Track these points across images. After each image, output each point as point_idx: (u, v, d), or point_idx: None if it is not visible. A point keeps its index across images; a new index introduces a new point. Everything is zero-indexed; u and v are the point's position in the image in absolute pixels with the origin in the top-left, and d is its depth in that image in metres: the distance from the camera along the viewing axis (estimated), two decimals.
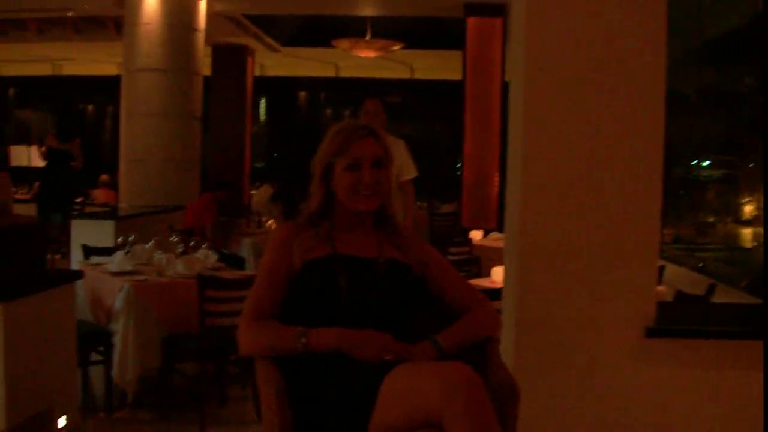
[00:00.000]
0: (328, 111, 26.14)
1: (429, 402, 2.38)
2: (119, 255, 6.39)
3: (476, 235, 9.97)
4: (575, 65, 3.75)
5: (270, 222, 10.28)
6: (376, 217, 3.05)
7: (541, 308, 3.82)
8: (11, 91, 28.03)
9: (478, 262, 7.43)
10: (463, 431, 2.31)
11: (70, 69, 23.80)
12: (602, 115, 3.73)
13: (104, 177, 16.56)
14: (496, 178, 12.65)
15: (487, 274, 6.76)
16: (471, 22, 12.76)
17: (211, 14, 12.65)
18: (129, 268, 6.19)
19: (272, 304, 2.86)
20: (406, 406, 2.44)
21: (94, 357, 6.07)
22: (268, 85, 22.54)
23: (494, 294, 4.32)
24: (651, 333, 3.73)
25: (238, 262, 7.23)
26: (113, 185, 16.01)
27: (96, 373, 6.15)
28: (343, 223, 3.01)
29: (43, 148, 12.62)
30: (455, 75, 13.94)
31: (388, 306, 2.87)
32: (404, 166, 6.66)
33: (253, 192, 16.24)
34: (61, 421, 4.88)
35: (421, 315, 2.97)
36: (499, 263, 6.87)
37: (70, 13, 15.00)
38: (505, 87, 12.35)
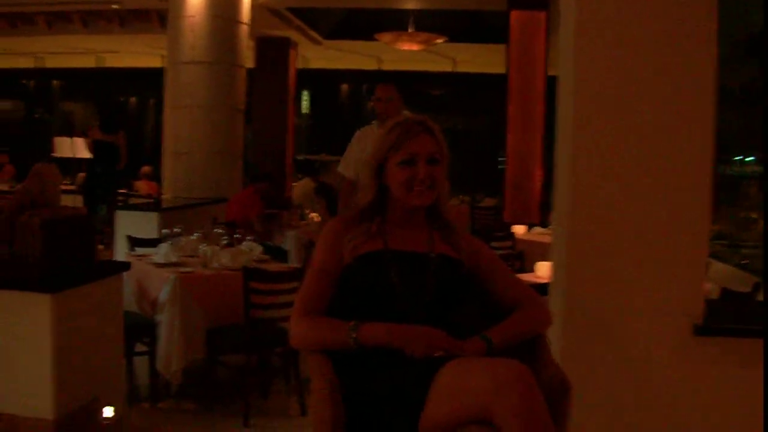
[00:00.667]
0: (370, 104, 26.05)
1: (481, 398, 2.37)
2: (164, 246, 6.42)
3: (519, 229, 9.91)
4: (626, 59, 3.71)
5: (313, 215, 10.30)
6: (427, 212, 3.04)
7: (589, 305, 3.80)
8: (55, 83, 28.32)
9: (522, 257, 7.40)
10: (516, 428, 2.30)
11: (113, 61, 23.98)
12: (653, 110, 3.70)
13: (146, 169, 16.67)
14: (539, 173, 12.59)
15: (531, 269, 6.73)
16: (514, 15, 12.68)
17: (254, 7, 12.68)
18: (174, 259, 6.23)
19: (323, 298, 2.87)
20: (458, 401, 2.43)
21: (139, 348, 6.12)
22: (310, 78, 22.58)
23: (540, 289, 4.30)
24: (699, 331, 3.69)
25: (281, 255, 7.25)
26: (155, 177, 16.12)
27: (140, 363, 6.20)
28: (395, 218, 3.01)
29: (88, 140, 12.72)
30: (498, 68, 13.89)
31: (440, 301, 2.85)
32: None
33: (294, 185, 16.30)
34: (108, 411, 4.92)
35: (471, 310, 2.96)
36: (543, 258, 6.84)
37: (114, 6, 15.10)
38: (548, 81, 12.30)
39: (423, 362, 2.62)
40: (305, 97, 25.48)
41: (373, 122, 6.79)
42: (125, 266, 5.26)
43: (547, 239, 8.89)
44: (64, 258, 4.53)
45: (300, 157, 13.75)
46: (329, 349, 2.77)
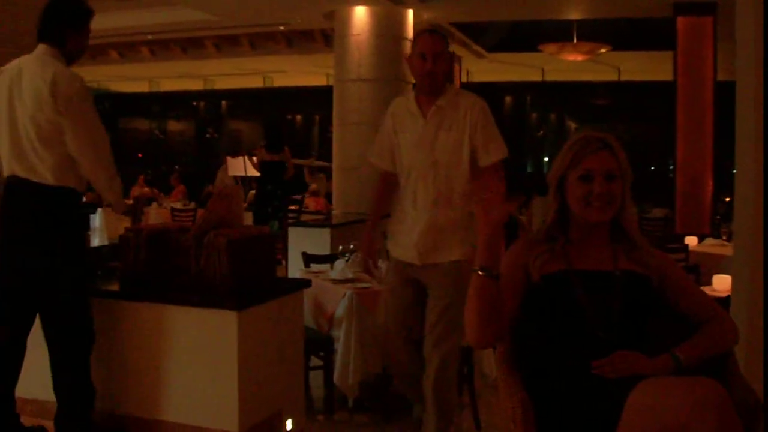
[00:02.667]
0: (534, 115, 26.00)
1: (677, 418, 2.35)
2: (340, 263, 6.55)
3: (691, 241, 9.68)
4: None
5: None
6: (611, 230, 3.03)
7: None
8: (224, 103, 29.16)
9: (698, 270, 7.22)
10: None
11: (280, 80, 24.52)
12: None
13: (314, 186, 16.99)
14: (710, 182, 12.31)
15: (706, 282, 6.56)
16: (681, 21, 12.44)
17: (418, 23, 12.81)
18: (350, 275, 6.31)
19: (508, 316, 2.89)
20: (653, 421, 2.41)
21: (314, 362, 6.23)
22: (474, 91, 22.48)
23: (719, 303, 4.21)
24: None
25: None
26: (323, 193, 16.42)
27: (315, 377, 6.32)
28: (577, 235, 3.01)
29: (255, 159, 13.05)
30: (663, 76, 13.68)
31: (627, 319, 2.84)
32: (483, 141, 4.73)
33: None
34: (288, 424, 5.04)
35: (659, 327, 2.93)
36: (716, 271, 6.67)
37: (281, 27, 15.46)
38: (718, 87, 12.04)
39: (617, 380, 2.61)
40: None
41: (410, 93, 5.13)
42: (306, 283, 5.37)
43: (720, 251, 8.67)
44: (248, 276, 4.66)
45: None
46: (485, 309, 2.79)
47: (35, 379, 4.82)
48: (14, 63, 4.59)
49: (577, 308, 2.83)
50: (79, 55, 4.72)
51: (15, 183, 4.50)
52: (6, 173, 4.55)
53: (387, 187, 5.13)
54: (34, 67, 4.47)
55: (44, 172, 4.46)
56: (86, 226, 4.77)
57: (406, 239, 4.85)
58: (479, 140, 4.70)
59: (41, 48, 4.56)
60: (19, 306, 4.63)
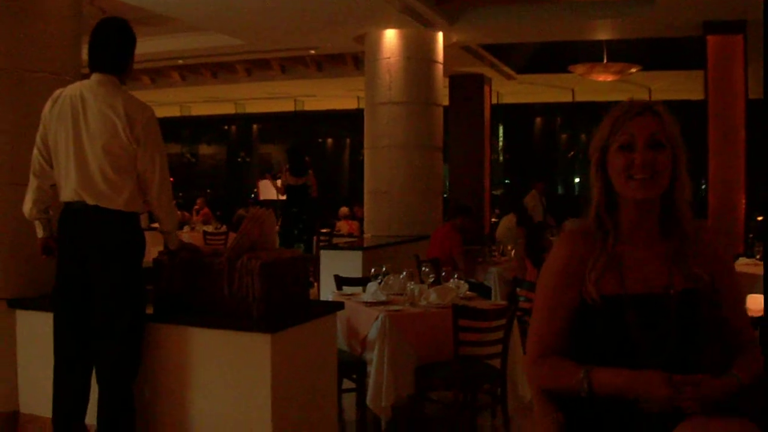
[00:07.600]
0: (564, 136, 25.96)
1: None
2: (373, 285, 6.55)
3: None
4: None
5: (514, 251, 10.29)
6: (662, 218, 2.67)
7: None
8: (255, 127, 29.35)
9: None
10: None
11: (310, 104, 24.66)
12: None
13: (344, 209, 17.09)
14: (743, 201, 12.23)
15: None
16: (711, 40, 12.39)
17: (448, 45, 12.86)
18: (383, 298, 6.33)
19: (555, 338, 2.64)
20: None
21: (347, 384, 6.24)
22: (504, 113, 22.65)
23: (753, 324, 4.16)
24: None
25: (484, 291, 7.27)
26: (354, 216, 16.47)
27: (347, 399, 6.34)
28: (627, 220, 2.66)
29: (279, 183, 13.16)
30: (694, 95, 13.62)
31: (683, 346, 2.57)
32: None
33: (493, 220, 16.32)
34: None
35: (714, 347, 2.65)
36: (750, 290, 6.62)
37: (311, 51, 15.54)
38: (749, 105, 11.99)
39: (657, 416, 2.42)
40: (500, 131, 25.54)
41: None
42: (339, 306, 5.37)
43: (754, 270, 8.61)
44: (281, 299, 4.66)
45: (496, 192, 13.75)
46: (559, 392, 2.60)
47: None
48: (71, 90, 4.62)
49: (627, 332, 2.56)
50: (128, 78, 4.80)
51: (84, 209, 4.53)
52: (67, 198, 4.58)
53: None
54: (99, 97, 4.53)
55: (118, 199, 4.53)
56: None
57: None
58: None
59: (100, 77, 4.60)
60: (80, 331, 4.66)
